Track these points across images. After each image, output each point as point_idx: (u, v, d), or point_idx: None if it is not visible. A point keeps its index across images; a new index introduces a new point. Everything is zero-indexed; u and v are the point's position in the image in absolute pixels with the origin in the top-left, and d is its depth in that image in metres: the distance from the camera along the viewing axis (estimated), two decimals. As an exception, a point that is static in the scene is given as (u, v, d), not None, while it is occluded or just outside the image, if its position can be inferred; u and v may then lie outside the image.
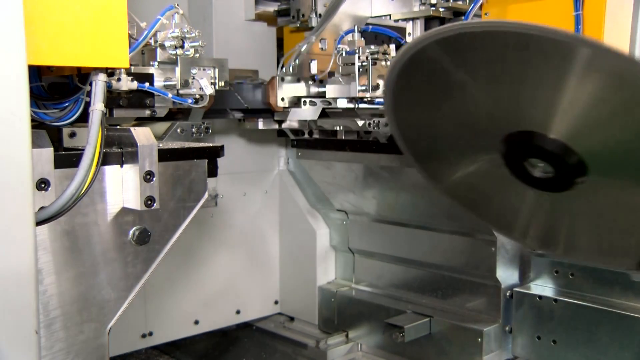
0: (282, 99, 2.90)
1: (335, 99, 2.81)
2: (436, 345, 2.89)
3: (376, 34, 3.08)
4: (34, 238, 1.48)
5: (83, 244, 1.69)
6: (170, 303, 3.26)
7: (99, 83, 1.57)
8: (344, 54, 2.77)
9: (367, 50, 2.68)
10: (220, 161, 3.40)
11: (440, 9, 3.01)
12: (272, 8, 3.50)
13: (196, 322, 3.36)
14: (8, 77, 1.39)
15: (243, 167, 3.44)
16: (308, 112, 2.89)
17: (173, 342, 3.31)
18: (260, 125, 3.06)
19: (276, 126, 3.08)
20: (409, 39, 3.09)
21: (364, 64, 2.67)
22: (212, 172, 1.89)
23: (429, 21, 3.14)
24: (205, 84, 1.97)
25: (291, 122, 2.96)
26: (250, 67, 3.37)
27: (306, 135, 3.13)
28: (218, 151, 1.89)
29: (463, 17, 2.86)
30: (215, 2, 3.28)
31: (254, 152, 3.48)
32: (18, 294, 1.49)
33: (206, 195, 1.89)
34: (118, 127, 1.80)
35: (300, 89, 2.94)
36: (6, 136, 1.41)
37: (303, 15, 3.20)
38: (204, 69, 2.00)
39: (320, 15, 3.12)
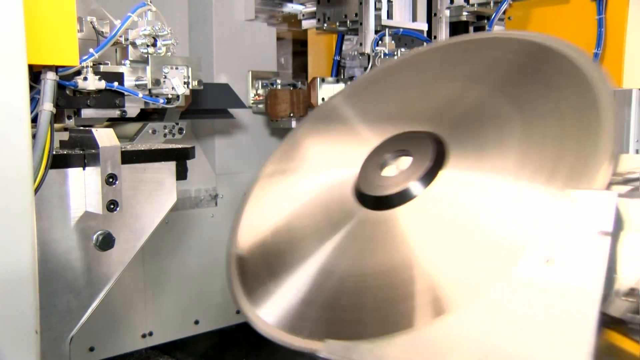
0: (323, 99, 2.97)
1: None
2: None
3: (401, 36, 3.19)
4: (34, 238, 1.47)
5: (44, 249, 1.64)
6: (170, 303, 3.24)
7: (48, 82, 1.52)
8: (382, 56, 2.90)
9: (400, 52, 2.85)
10: (220, 161, 3.41)
11: (465, 13, 3.15)
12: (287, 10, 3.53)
13: (196, 322, 3.35)
14: (8, 77, 1.38)
15: (243, 167, 3.40)
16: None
17: (173, 342, 3.29)
18: (294, 124, 3.15)
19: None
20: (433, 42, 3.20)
21: None
22: (182, 174, 1.82)
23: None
24: (177, 83, 1.90)
25: None
26: (250, 67, 3.34)
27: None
28: (187, 153, 1.82)
29: (487, 23, 2.93)
30: (215, 2, 3.26)
31: (254, 151, 3.43)
32: (18, 294, 1.47)
33: (175, 199, 1.82)
34: (81, 128, 1.75)
35: (339, 89, 2.98)
36: (6, 136, 1.39)
37: (329, 19, 3.29)
38: (176, 68, 1.93)
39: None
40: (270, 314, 1.73)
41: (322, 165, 2.06)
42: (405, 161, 1.76)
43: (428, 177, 1.66)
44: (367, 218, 1.74)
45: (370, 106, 2.13)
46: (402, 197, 1.66)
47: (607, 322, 1.24)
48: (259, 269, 1.89)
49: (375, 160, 1.85)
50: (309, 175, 2.06)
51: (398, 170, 1.77)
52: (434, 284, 1.47)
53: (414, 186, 1.66)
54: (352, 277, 1.64)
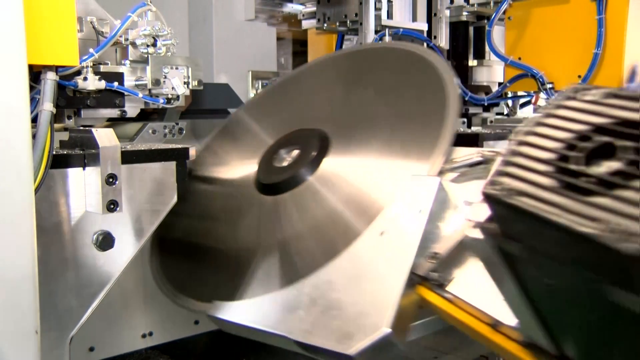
0: None
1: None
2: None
3: (401, 36, 3.20)
4: (34, 238, 1.46)
5: (43, 249, 1.64)
6: (170, 303, 3.23)
7: (48, 82, 1.51)
8: None
9: None
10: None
11: (465, 13, 3.16)
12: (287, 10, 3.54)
13: (196, 322, 3.32)
14: (8, 76, 1.38)
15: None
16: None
17: (173, 342, 3.28)
18: None
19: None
20: (434, 42, 3.22)
21: None
22: (181, 174, 1.82)
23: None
24: (177, 83, 1.90)
25: None
26: (250, 67, 3.34)
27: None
28: (186, 153, 1.82)
29: (487, 23, 2.91)
30: (215, 2, 3.26)
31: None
32: (18, 294, 1.46)
33: (175, 199, 1.82)
34: (81, 128, 1.75)
35: None
36: (6, 136, 1.39)
37: (329, 19, 3.29)
38: (176, 68, 1.93)
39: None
40: (179, 282, 2.13)
41: (230, 164, 2.39)
42: (296, 154, 2.11)
43: (314, 164, 2.02)
44: (266, 202, 2.09)
45: (267, 114, 2.51)
46: (294, 181, 2.02)
47: (418, 280, 1.58)
48: (176, 248, 2.29)
49: (271, 155, 2.19)
50: (220, 172, 2.39)
51: (289, 162, 2.12)
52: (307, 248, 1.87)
53: (303, 172, 2.03)
54: (247, 251, 2.01)
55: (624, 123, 0.95)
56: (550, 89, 2.70)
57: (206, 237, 2.19)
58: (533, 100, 3.35)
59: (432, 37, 3.26)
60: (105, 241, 1.72)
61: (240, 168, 2.31)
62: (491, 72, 3.33)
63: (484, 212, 1.08)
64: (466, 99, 3.08)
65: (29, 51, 1.41)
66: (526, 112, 3.50)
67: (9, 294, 1.45)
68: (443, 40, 3.23)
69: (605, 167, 0.91)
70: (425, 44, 3.17)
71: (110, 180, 1.66)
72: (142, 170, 1.76)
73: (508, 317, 1.36)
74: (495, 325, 1.42)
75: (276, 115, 2.47)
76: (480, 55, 3.34)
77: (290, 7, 3.61)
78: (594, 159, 0.94)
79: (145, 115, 2.19)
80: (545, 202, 0.93)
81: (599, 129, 0.96)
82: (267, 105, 2.59)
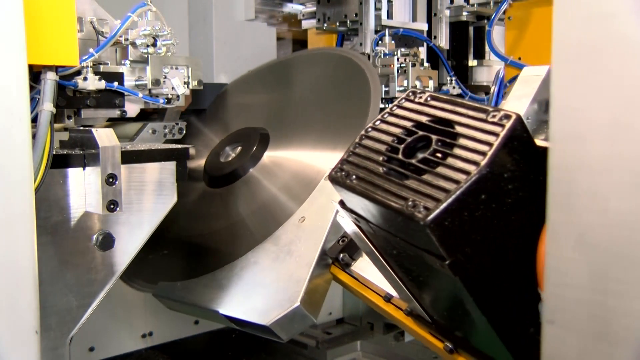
0: None
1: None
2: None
3: (401, 36, 3.17)
4: (34, 238, 1.46)
5: (43, 249, 1.64)
6: (170, 303, 3.23)
7: (48, 82, 1.51)
8: (382, 56, 2.89)
9: (400, 52, 2.86)
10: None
11: (465, 13, 3.14)
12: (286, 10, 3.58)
13: (196, 322, 3.33)
14: (8, 76, 1.37)
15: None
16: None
17: (173, 342, 3.28)
18: None
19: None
20: (434, 42, 3.22)
21: (402, 65, 2.80)
22: (181, 174, 1.82)
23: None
24: (177, 83, 1.90)
25: None
26: (250, 67, 3.34)
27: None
28: (187, 153, 1.82)
29: (487, 23, 2.90)
30: (215, 2, 3.25)
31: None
32: (18, 294, 1.46)
33: (175, 199, 1.82)
34: (81, 128, 1.75)
35: None
36: (6, 136, 1.39)
37: (329, 19, 3.28)
38: (176, 68, 1.93)
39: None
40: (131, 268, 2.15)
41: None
42: (239, 149, 2.36)
43: (256, 158, 2.27)
44: (212, 194, 2.33)
45: (215, 118, 2.73)
46: (237, 173, 2.27)
47: (330, 261, 1.83)
48: None
49: (218, 152, 2.42)
50: None
51: (232, 156, 2.36)
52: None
53: (246, 165, 2.27)
54: (195, 237, 2.26)
55: (437, 121, 1.16)
56: (550, 89, 2.70)
57: (159, 228, 2.30)
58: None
59: (432, 37, 3.26)
60: (105, 241, 1.72)
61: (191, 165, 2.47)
62: (491, 72, 3.33)
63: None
64: (466, 99, 3.08)
65: (29, 51, 1.41)
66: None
67: (9, 294, 1.44)
68: (443, 40, 3.23)
69: (420, 157, 1.12)
70: (425, 44, 3.17)
71: (110, 180, 1.66)
72: (142, 170, 1.76)
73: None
74: (387, 298, 1.69)
75: (222, 118, 2.71)
76: (480, 55, 3.34)
77: (290, 7, 3.61)
78: (421, 150, 1.16)
79: (145, 115, 2.19)
80: (373, 185, 1.15)
81: (420, 125, 1.18)
82: (214, 111, 2.83)
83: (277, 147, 2.28)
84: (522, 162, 1.08)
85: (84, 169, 1.68)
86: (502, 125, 1.06)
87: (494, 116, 1.09)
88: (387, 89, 2.82)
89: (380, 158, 1.19)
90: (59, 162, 1.63)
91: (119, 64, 1.95)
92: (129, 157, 1.72)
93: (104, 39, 1.85)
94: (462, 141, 1.09)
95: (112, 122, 2.05)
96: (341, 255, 1.81)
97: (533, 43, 2.80)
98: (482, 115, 1.10)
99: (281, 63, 2.91)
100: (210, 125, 2.69)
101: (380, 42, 2.99)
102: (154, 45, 1.90)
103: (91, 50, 1.76)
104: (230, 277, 1.94)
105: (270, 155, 2.27)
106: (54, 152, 1.58)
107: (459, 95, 2.95)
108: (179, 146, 1.81)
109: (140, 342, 3.18)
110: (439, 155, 1.10)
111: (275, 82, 2.71)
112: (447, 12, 3.17)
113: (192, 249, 2.23)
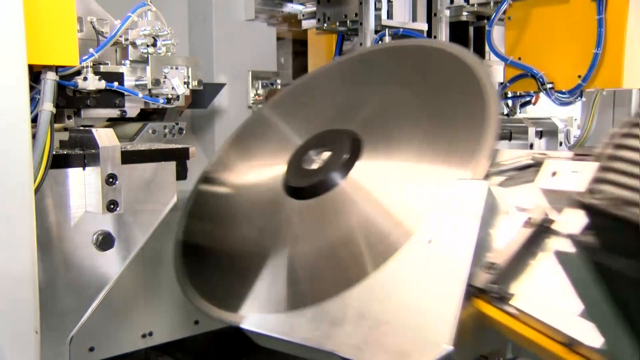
0: None
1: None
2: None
3: (401, 36, 3.16)
4: (34, 238, 1.47)
5: (43, 249, 1.64)
6: (170, 303, 3.23)
7: (48, 82, 1.52)
8: None
9: None
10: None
11: (465, 13, 3.12)
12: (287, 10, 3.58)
13: (196, 322, 3.33)
14: (8, 76, 1.38)
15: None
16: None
17: (173, 342, 3.28)
18: None
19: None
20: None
21: None
22: (181, 174, 1.82)
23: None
24: (177, 83, 1.90)
25: None
26: (250, 67, 3.34)
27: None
28: (187, 153, 1.82)
29: (487, 23, 2.90)
30: (215, 2, 3.25)
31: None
32: (18, 294, 1.47)
33: (175, 199, 1.82)
34: (81, 128, 1.75)
35: None
36: (6, 136, 1.40)
37: (329, 19, 3.28)
38: (176, 68, 1.93)
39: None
40: (205, 289, 1.99)
41: (255, 165, 2.29)
42: (326, 155, 1.99)
43: (346, 167, 1.90)
44: (295, 207, 1.96)
45: (293, 112, 2.38)
46: (325, 186, 1.90)
47: (475, 292, 1.44)
48: (200, 253, 2.16)
49: (300, 156, 2.07)
50: (243, 174, 2.29)
51: (319, 164, 2.00)
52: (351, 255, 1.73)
53: (334, 175, 1.90)
54: (280, 257, 1.88)
55: None
56: (550, 89, 2.70)
57: (233, 243, 2.08)
58: (533, 101, 3.34)
59: (432, 37, 3.26)
60: (105, 241, 1.72)
61: (266, 169, 2.20)
62: (491, 72, 3.33)
63: (574, 222, 0.99)
64: None
65: (29, 51, 1.41)
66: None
67: (9, 294, 1.45)
68: (443, 40, 3.23)
69: None
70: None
71: (110, 180, 1.66)
72: (142, 170, 1.76)
73: (586, 336, 1.24)
74: (570, 344, 1.28)
75: (303, 114, 2.35)
76: (480, 55, 3.34)
77: (290, 7, 3.61)
78: None
79: (145, 115, 2.19)
80: None
81: None
82: (292, 104, 2.47)
83: (373, 155, 1.92)
84: None
85: (84, 169, 1.68)
86: None
87: None
88: (387, 89, 2.82)
89: None
90: (59, 162, 1.64)
91: (119, 64, 1.95)
92: (129, 157, 1.72)
93: (104, 39, 1.85)
94: None
95: (112, 122, 2.05)
96: (492, 285, 1.43)
97: (533, 43, 2.79)
98: None
99: (374, 53, 2.44)
100: (288, 119, 2.34)
101: (380, 42, 2.99)
102: (154, 45, 1.90)
103: (91, 50, 1.76)
104: (345, 310, 1.58)
105: (364, 165, 1.90)
106: (54, 152, 1.58)
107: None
108: (179, 146, 1.81)
109: (140, 342, 3.17)
110: None
111: (362, 76, 2.30)
112: (447, 12, 3.17)
113: (281, 272, 1.85)
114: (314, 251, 1.81)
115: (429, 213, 1.59)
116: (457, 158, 1.70)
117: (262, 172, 2.21)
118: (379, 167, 1.88)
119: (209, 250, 2.15)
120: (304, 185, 1.95)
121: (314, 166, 2.00)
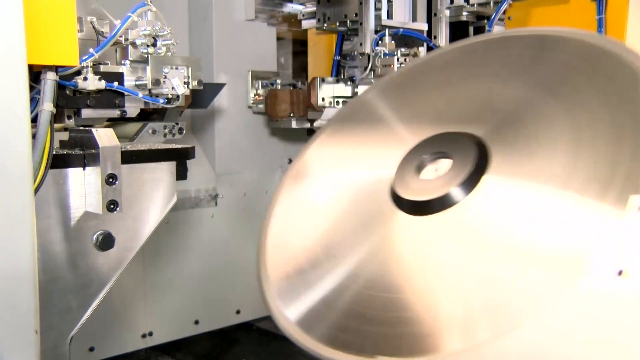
0: (323, 99, 3.02)
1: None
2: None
3: (401, 36, 3.16)
4: (34, 238, 1.46)
5: (44, 249, 1.64)
6: (170, 303, 3.24)
7: (48, 82, 1.52)
8: (382, 56, 2.91)
9: (400, 52, 2.85)
10: (220, 161, 3.41)
11: (465, 13, 3.13)
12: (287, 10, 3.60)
13: (196, 322, 3.35)
14: (8, 76, 1.38)
15: (243, 167, 3.40)
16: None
17: (173, 342, 3.29)
18: (294, 124, 3.21)
19: (308, 125, 3.24)
20: (434, 42, 3.20)
21: (402, 65, 2.80)
22: (182, 174, 1.82)
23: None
24: (177, 83, 1.90)
25: (322, 122, 3.00)
26: (250, 67, 3.35)
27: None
28: (187, 153, 1.82)
29: (487, 23, 2.91)
30: (215, 2, 3.26)
31: (254, 151, 3.44)
32: (18, 294, 1.47)
33: (175, 199, 1.82)
34: (81, 128, 1.75)
35: (339, 89, 3.04)
36: (6, 136, 1.39)
37: (329, 19, 3.29)
38: (176, 68, 1.93)
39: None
40: (293, 311, 1.63)
41: (354, 165, 1.95)
42: (445, 164, 1.64)
43: (470, 183, 1.52)
44: (403, 222, 1.62)
45: (407, 103, 1.99)
46: (442, 203, 1.54)
47: None
48: (289, 267, 1.79)
49: (413, 161, 1.72)
50: (339, 175, 1.96)
51: (437, 174, 1.65)
52: (472, 305, 1.33)
53: (455, 192, 1.53)
54: (377, 285, 1.53)
55: None
56: (550, 89, 2.70)
57: (335, 265, 1.68)
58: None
59: (432, 37, 3.25)
60: (105, 241, 1.72)
61: (371, 170, 1.88)
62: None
63: None
64: None
65: (29, 51, 1.41)
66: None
67: (9, 294, 1.45)
68: (443, 40, 3.23)
69: None
70: (425, 44, 3.17)
71: (110, 180, 1.66)
72: (142, 170, 1.76)
73: None
74: None
75: (416, 106, 1.96)
76: (480, 55, 3.34)
77: (290, 7, 3.61)
78: None
79: (145, 115, 2.19)
80: None
81: None
82: (405, 92, 2.08)
83: (504, 170, 1.53)
84: None
85: (84, 169, 1.68)
86: None
87: None
88: (387, 89, 2.82)
89: None
90: (59, 162, 1.63)
91: (119, 64, 1.95)
92: (129, 157, 1.72)
93: (104, 39, 1.84)
94: None
95: (112, 122, 2.05)
96: None
97: (533, 43, 2.80)
98: None
99: (499, 41, 1.95)
100: (399, 113, 1.96)
101: (380, 42, 3.00)
102: (154, 45, 1.90)
103: (91, 50, 1.76)
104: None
105: (493, 180, 1.52)
106: (54, 152, 1.58)
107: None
108: (179, 146, 1.81)
109: (140, 342, 3.19)
110: None
111: (491, 66, 1.88)
112: (447, 12, 3.17)
113: (383, 305, 1.48)
114: (446, 283, 1.44)
115: (606, 239, 1.19)
116: (623, 171, 1.31)
117: (364, 173, 1.90)
118: (514, 184, 1.49)
119: (299, 265, 1.77)
120: (417, 199, 1.62)
121: (430, 176, 1.67)
